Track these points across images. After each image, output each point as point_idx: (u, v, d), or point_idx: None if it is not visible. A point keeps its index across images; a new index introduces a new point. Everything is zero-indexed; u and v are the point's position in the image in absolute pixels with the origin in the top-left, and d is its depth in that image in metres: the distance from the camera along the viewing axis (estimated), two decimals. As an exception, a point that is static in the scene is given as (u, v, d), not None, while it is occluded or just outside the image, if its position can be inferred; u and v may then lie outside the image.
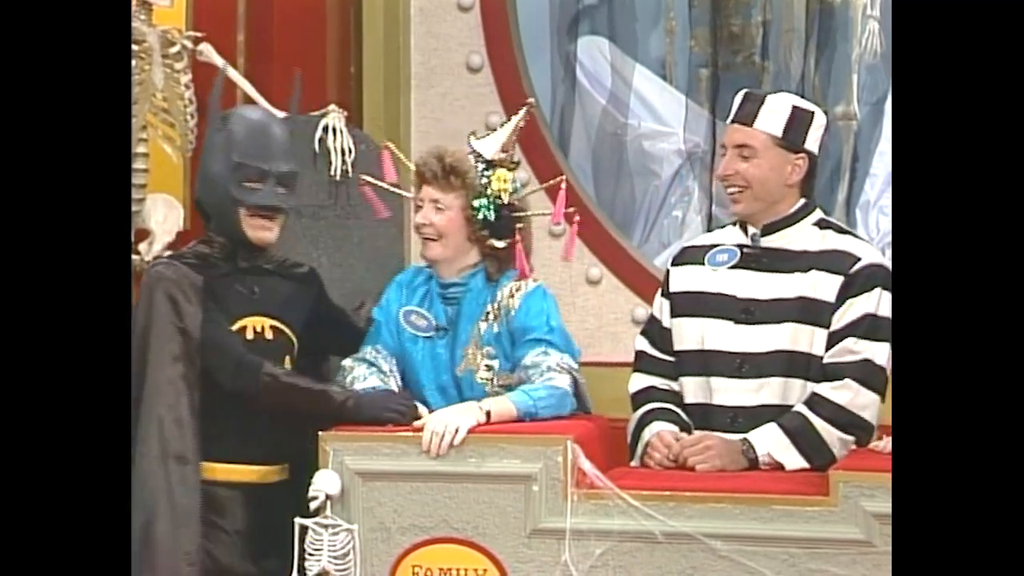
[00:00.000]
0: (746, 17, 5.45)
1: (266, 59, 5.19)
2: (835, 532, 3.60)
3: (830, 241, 4.04)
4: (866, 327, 3.92)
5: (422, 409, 3.94)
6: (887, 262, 3.95)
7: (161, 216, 4.96)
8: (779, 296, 3.99)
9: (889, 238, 4.68)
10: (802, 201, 4.08)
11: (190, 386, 3.96)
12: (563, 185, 4.11)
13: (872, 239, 4.97)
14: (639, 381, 4.13)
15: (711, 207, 5.41)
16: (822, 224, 4.09)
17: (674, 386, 4.08)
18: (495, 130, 4.24)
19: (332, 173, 4.70)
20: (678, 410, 4.05)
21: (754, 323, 3.99)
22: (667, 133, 5.55)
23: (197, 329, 3.97)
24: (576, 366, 4.05)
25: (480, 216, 4.07)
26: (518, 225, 4.09)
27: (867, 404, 3.92)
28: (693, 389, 4.05)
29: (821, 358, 3.94)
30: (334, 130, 4.72)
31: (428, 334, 4.13)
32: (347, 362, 4.14)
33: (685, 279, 4.12)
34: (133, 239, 4.77)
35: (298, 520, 3.80)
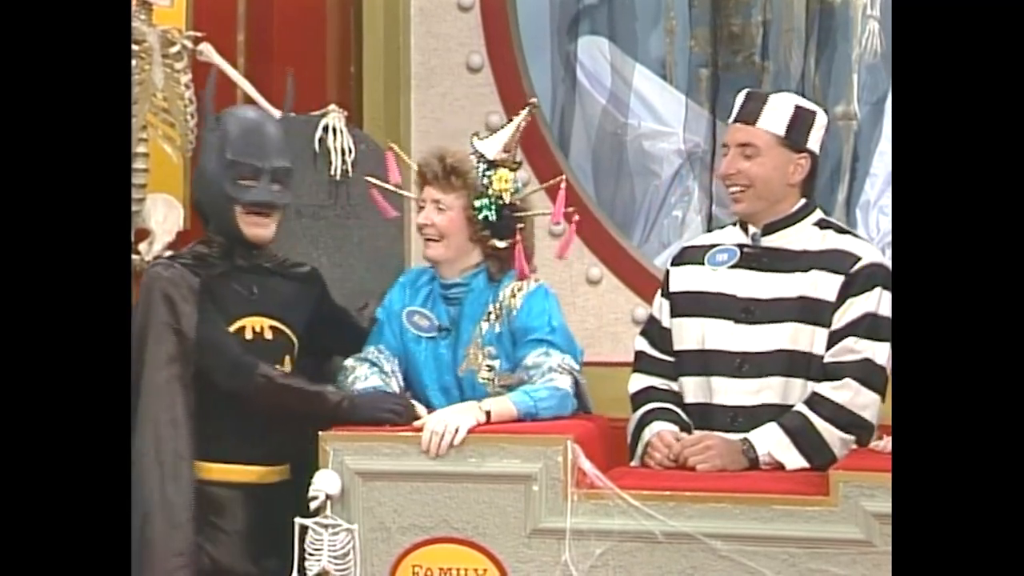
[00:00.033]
0: (746, 17, 5.44)
1: (266, 59, 5.19)
2: (835, 532, 3.59)
3: (830, 241, 4.03)
4: (866, 327, 3.92)
5: (421, 409, 3.94)
6: (887, 262, 3.94)
7: (161, 216, 4.96)
8: (779, 296, 3.99)
9: (889, 238, 4.67)
10: (803, 201, 4.08)
11: (185, 387, 3.96)
12: (563, 185, 4.11)
13: (872, 239, 4.96)
14: (639, 381, 4.13)
15: (711, 207, 5.41)
16: (822, 224, 4.09)
17: (674, 386, 4.08)
18: (497, 130, 4.24)
19: (332, 173, 4.69)
20: (678, 410, 4.05)
21: (754, 323, 3.99)
22: (667, 133, 5.55)
23: (193, 330, 3.97)
24: (578, 367, 4.04)
25: (482, 216, 4.07)
26: (519, 225, 4.09)
27: (867, 404, 3.92)
28: (693, 389, 4.05)
29: (821, 358, 3.94)
30: (334, 130, 4.71)
31: (431, 334, 4.13)
32: (349, 362, 4.14)
33: (685, 279, 4.12)
34: (133, 239, 4.77)
35: (298, 520, 3.79)
